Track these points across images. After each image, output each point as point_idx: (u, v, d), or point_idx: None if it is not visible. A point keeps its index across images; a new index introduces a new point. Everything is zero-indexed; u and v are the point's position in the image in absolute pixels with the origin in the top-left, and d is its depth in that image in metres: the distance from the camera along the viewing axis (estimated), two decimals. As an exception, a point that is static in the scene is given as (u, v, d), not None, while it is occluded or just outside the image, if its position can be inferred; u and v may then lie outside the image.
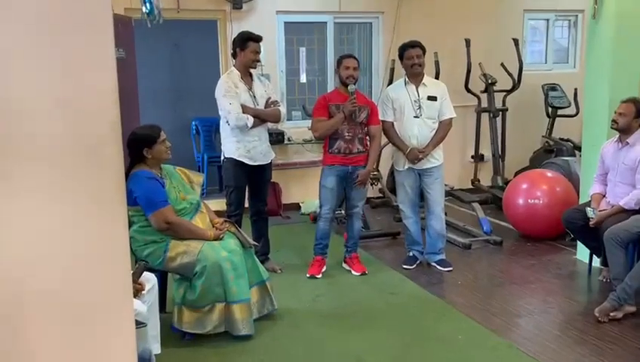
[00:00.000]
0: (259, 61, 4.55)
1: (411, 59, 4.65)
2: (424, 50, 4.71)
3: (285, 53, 6.90)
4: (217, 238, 3.57)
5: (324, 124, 4.54)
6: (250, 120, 4.39)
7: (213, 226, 3.67)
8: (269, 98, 4.60)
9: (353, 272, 4.76)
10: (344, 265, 4.90)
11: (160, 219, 3.41)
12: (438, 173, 4.75)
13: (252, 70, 4.58)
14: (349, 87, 4.51)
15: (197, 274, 3.40)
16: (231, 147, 4.53)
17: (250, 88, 4.51)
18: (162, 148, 3.53)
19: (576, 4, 7.77)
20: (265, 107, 4.57)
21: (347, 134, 4.55)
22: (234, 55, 4.56)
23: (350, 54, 4.76)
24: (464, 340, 3.59)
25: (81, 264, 1.56)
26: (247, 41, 4.46)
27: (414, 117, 4.65)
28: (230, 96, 4.39)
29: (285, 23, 6.83)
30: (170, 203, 3.48)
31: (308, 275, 4.68)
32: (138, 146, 3.46)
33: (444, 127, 4.73)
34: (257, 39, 4.50)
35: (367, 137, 4.66)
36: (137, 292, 2.83)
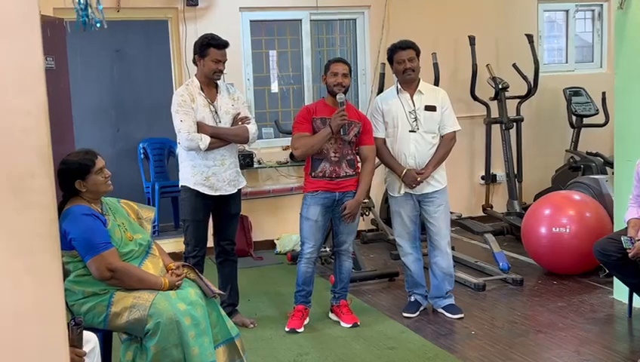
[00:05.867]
0: (221, 71, 4.55)
1: (402, 63, 4.71)
2: (418, 52, 4.78)
3: (252, 58, 6.94)
4: (173, 287, 3.54)
5: (308, 140, 4.56)
6: (205, 140, 4.39)
7: (168, 272, 3.64)
8: (238, 114, 4.62)
9: (343, 324, 4.75)
10: (331, 315, 4.89)
11: (102, 266, 3.37)
12: (441, 199, 4.79)
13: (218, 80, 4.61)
14: (337, 97, 4.54)
15: (149, 332, 3.36)
16: (186, 173, 4.54)
17: (212, 102, 4.52)
18: (99, 179, 3.50)
19: (600, -9, 7.97)
20: (232, 125, 4.59)
21: (334, 155, 4.57)
22: (195, 62, 4.58)
23: (340, 58, 4.84)
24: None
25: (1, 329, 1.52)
26: (207, 48, 4.47)
27: (410, 131, 4.70)
28: (183, 112, 4.40)
29: (251, 21, 6.88)
30: (114, 245, 3.44)
31: (287, 329, 4.66)
32: (68, 178, 3.44)
33: (447, 143, 4.78)
34: (220, 45, 4.50)
35: (358, 158, 4.70)
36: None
